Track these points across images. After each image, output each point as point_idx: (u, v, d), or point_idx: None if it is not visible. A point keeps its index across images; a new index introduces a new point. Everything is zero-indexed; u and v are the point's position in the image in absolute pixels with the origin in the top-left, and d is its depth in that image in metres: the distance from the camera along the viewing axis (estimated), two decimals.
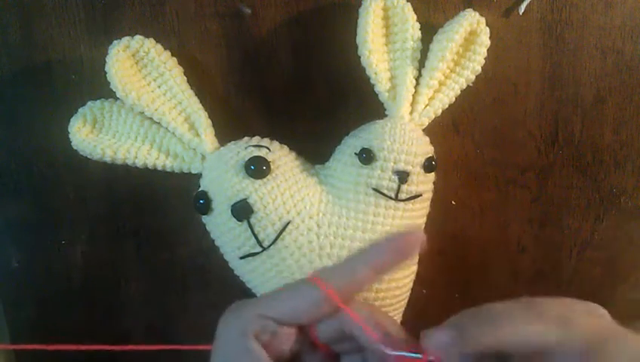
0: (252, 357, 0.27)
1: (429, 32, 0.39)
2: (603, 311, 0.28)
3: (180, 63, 0.39)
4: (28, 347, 0.31)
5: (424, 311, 0.44)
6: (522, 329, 0.25)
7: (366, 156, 0.38)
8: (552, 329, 0.25)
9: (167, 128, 0.38)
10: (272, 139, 0.40)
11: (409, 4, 0.38)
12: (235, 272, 0.40)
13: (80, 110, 0.38)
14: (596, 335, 0.25)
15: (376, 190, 0.38)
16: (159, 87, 0.39)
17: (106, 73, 0.37)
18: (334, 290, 0.27)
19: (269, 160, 0.37)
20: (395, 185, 0.38)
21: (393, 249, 0.28)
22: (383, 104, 0.39)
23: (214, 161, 0.38)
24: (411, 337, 0.29)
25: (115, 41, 0.37)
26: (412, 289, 0.42)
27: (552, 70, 0.42)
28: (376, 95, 0.39)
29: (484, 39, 0.39)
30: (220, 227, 0.38)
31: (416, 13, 0.38)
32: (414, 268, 0.42)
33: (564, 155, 0.44)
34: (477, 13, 0.38)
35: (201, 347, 0.29)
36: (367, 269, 0.28)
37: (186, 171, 0.39)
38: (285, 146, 0.40)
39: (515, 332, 0.25)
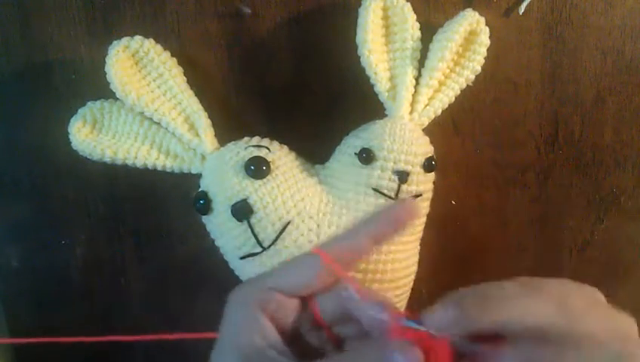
0: (259, 327, 0.28)
1: (429, 32, 0.39)
2: (599, 296, 0.29)
3: (179, 63, 0.39)
4: (27, 341, 0.31)
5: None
6: (520, 309, 0.26)
7: (366, 156, 0.38)
8: (550, 309, 0.26)
9: (167, 128, 0.38)
10: (272, 139, 0.40)
11: (409, 4, 0.38)
12: (236, 272, 0.40)
13: (80, 110, 0.38)
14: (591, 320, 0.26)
15: (376, 190, 0.38)
16: (159, 87, 0.39)
17: (106, 73, 0.37)
18: (333, 259, 0.28)
19: (268, 160, 0.37)
20: (395, 185, 0.38)
21: (391, 218, 0.29)
22: (382, 104, 0.39)
23: (214, 162, 0.38)
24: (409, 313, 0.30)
25: (115, 41, 0.37)
26: (412, 289, 0.42)
27: (552, 70, 0.42)
28: (376, 95, 0.39)
29: (484, 39, 0.39)
30: (220, 227, 0.38)
31: (416, 13, 0.38)
32: (414, 268, 0.42)
33: (564, 155, 0.44)
34: (477, 13, 0.38)
35: (207, 335, 0.29)
36: (365, 238, 0.29)
37: (186, 171, 0.39)
38: (285, 146, 0.40)
39: (512, 313, 0.26)
